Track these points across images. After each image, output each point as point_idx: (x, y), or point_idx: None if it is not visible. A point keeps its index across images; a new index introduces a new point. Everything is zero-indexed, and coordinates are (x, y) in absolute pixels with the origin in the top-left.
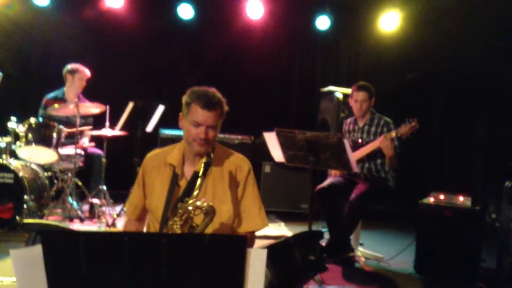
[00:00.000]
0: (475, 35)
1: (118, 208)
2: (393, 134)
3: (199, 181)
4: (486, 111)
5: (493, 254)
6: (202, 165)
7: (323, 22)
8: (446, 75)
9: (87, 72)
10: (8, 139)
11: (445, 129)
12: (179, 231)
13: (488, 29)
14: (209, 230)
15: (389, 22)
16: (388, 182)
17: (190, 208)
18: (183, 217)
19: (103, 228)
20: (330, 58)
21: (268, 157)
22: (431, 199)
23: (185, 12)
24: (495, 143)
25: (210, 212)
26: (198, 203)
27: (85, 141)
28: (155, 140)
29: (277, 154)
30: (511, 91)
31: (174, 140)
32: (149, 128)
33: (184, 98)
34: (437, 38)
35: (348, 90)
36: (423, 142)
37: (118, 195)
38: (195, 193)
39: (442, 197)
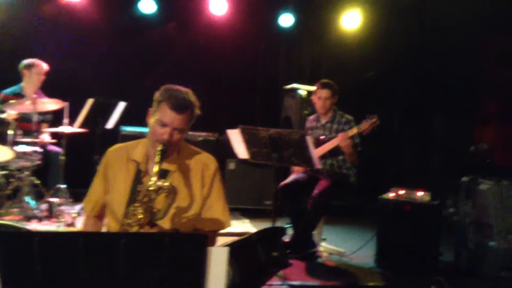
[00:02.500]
0: (435, 33)
1: (77, 207)
2: (355, 130)
3: (155, 167)
4: (444, 107)
5: (450, 248)
6: (158, 153)
7: (286, 20)
8: (406, 72)
9: (44, 66)
10: None
11: (404, 126)
12: (141, 216)
13: (446, 26)
14: (172, 225)
15: (351, 21)
16: (350, 178)
17: (151, 188)
18: (144, 200)
19: (62, 227)
20: (293, 56)
21: (232, 154)
22: (391, 194)
23: (147, 6)
24: (453, 139)
25: (171, 192)
26: (159, 183)
27: (45, 137)
28: (115, 137)
29: (241, 151)
30: (469, 88)
31: (136, 137)
32: (110, 125)
33: (156, 95)
34: (397, 36)
35: (311, 88)
36: (383, 138)
37: (78, 194)
38: (154, 178)
39: (402, 192)
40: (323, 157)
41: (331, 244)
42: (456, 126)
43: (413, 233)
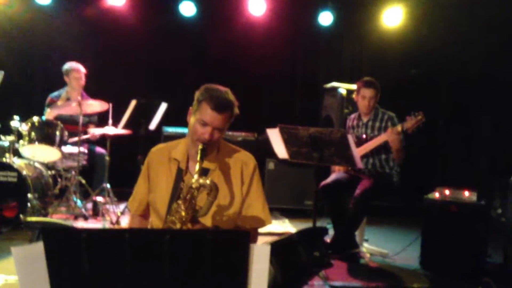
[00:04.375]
0: (480, 31)
1: (122, 206)
2: (399, 128)
3: (197, 166)
4: (491, 105)
5: (498, 249)
6: (199, 151)
7: (326, 18)
8: (451, 70)
9: (82, 69)
10: (11, 138)
11: (450, 124)
12: (183, 214)
13: (492, 24)
14: (214, 223)
15: (392, 18)
16: (393, 177)
17: (193, 186)
18: (187, 198)
19: (107, 226)
20: (333, 54)
21: (271, 154)
22: (437, 194)
23: (187, 9)
24: (501, 138)
25: (213, 190)
26: (201, 181)
27: (91, 138)
28: (158, 138)
29: (280, 150)
30: None
31: (177, 137)
32: (152, 126)
33: (197, 94)
34: (441, 33)
35: (351, 86)
36: (428, 136)
37: (122, 193)
38: (196, 176)
39: (447, 192)
40: (365, 156)
41: (374, 245)
42: (503, 125)
43: (459, 234)
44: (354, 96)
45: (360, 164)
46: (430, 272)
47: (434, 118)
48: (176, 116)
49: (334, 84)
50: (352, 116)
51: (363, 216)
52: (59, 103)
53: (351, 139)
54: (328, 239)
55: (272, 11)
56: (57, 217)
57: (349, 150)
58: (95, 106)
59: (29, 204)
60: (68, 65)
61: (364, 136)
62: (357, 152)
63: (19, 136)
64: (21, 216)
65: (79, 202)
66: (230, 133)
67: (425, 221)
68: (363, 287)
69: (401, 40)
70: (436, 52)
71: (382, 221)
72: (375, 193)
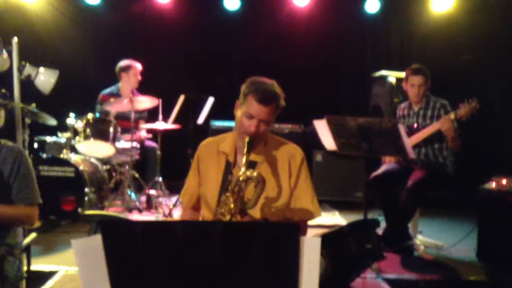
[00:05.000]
0: None
1: (174, 199)
2: (452, 116)
3: (244, 158)
4: None
5: None
6: (246, 144)
7: (372, 5)
8: (505, 54)
9: (139, 67)
10: (67, 134)
11: (506, 110)
12: (232, 206)
13: None
14: (262, 215)
15: (442, 3)
16: (447, 167)
17: (240, 179)
18: (235, 190)
19: (160, 218)
20: (381, 42)
21: (319, 145)
22: (493, 184)
23: (231, 3)
24: None
25: (260, 182)
26: (248, 173)
27: (142, 133)
28: (206, 132)
29: (328, 142)
30: None
31: (225, 131)
32: (200, 120)
33: (243, 88)
34: (494, 17)
35: (401, 74)
36: (483, 124)
37: (174, 186)
38: (243, 168)
39: (504, 181)
40: (417, 146)
41: (428, 236)
42: None
43: None
44: (403, 84)
45: (412, 154)
46: (487, 264)
47: (489, 105)
48: (223, 110)
49: (383, 72)
50: (403, 105)
51: (416, 207)
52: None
53: (402, 128)
54: (380, 231)
55: (316, 1)
56: (112, 210)
57: (400, 140)
58: (146, 102)
59: (86, 198)
60: (127, 62)
61: (415, 125)
62: (409, 142)
63: (75, 132)
64: (79, 209)
65: (133, 195)
66: (276, 125)
67: (481, 211)
68: (417, 280)
69: (452, 25)
70: (489, 36)
71: (436, 212)
72: (428, 184)
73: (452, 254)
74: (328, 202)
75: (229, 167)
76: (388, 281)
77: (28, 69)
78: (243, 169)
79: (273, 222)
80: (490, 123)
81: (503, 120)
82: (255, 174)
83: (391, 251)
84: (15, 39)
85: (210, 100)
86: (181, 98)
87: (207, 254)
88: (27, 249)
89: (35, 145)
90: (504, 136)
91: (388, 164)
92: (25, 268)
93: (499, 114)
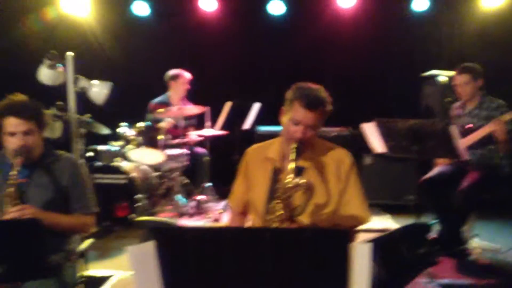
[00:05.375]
0: None
1: (222, 204)
2: (507, 116)
3: (291, 165)
4: None
5: None
6: (293, 150)
7: (420, 3)
8: None
9: (188, 76)
10: (120, 143)
11: None
12: (281, 212)
13: None
14: (312, 221)
15: None
16: (503, 168)
17: (289, 186)
18: (283, 197)
19: (209, 223)
20: (430, 41)
21: (367, 148)
22: None
23: (276, 8)
24: None
25: (308, 189)
26: (296, 180)
27: (192, 139)
28: (252, 137)
29: (377, 145)
30: None
31: (271, 136)
32: (246, 125)
33: (289, 94)
34: None
35: (452, 73)
36: None
37: (222, 191)
38: (290, 175)
39: None
40: (471, 147)
41: (485, 240)
42: None
43: None
44: (453, 84)
45: (465, 156)
46: None
47: None
48: (269, 116)
49: (433, 72)
50: (456, 104)
51: (471, 210)
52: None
53: (454, 129)
54: (433, 235)
55: (362, 1)
56: (163, 216)
57: (453, 142)
58: (194, 110)
59: (138, 204)
60: (175, 71)
61: (469, 125)
62: (462, 143)
63: (127, 141)
64: (131, 215)
65: (183, 201)
66: (323, 128)
67: None
68: (473, 284)
69: (504, 21)
70: None
71: (493, 215)
72: (483, 186)
73: (509, 258)
74: (379, 206)
75: (277, 174)
76: (443, 286)
77: (82, 82)
78: (291, 175)
79: (321, 228)
80: None
81: None
82: (303, 181)
83: (446, 255)
84: (70, 54)
85: (256, 106)
86: (228, 104)
87: (256, 260)
88: (84, 254)
89: (89, 154)
90: None
91: (441, 166)
92: (81, 273)
93: None
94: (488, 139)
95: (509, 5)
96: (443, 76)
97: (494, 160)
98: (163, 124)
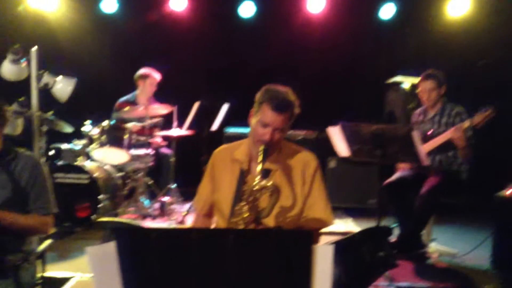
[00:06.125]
0: None
1: (187, 206)
2: (467, 124)
3: (259, 166)
4: None
5: None
6: (260, 152)
7: (387, 11)
8: None
9: (158, 77)
10: (83, 142)
11: None
12: (246, 215)
13: None
14: (277, 224)
15: (458, 7)
16: (461, 174)
17: (255, 188)
18: (250, 199)
19: (173, 225)
20: (395, 48)
21: (332, 152)
22: (509, 192)
23: (246, 10)
24: None
25: (275, 192)
26: (263, 182)
27: (157, 140)
28: (220, 139)
29: (342, 148)
30: None
31: (239, 138)
32: (215, 126)
33: (257, 96)
34: (509, 21)
35: (416, 80)
36: (498, 131)
37: (187, 193)
38: (257, 177)
39: None
40: (431, 153)
41: (442, 244)
42: None
43: None
44: (418, 90)
45: (426, 161)
46: (502, 273)
47: (504, 111)
48: (237, 117)
49: (397, 78)
50: (418, 111)
51: (430, 214)
52: (126, 108)
53: (416, 135)
54: (393, 238)
55: (331, 7)
56: (126, 217)
57: (414, 147)
58: (161, 110)
59: (100, 205)
60: (146, 70)
61: (430, 132)
62: (423, 148)
63: (91, 140)
64: (93, 216)
65: (147, 202)
66: (290, 132)
67: (496, 219)
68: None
69: (468, 30)
70: (506, 41)
71: (450, 220)
72: (442, 190)
73: (466, 262)
74: (341, 209)
75: (243, 175)
76: None
77: (46, 78)
78: (258, 178)
79: (285, 230)
80: (506, 130)
81: None
82: (270, 183)
83: (404, 258)
84: (34, 48)
85: (225, 107)
86: (196, 104)
87: (220, 261)
88: (42, 255)
89: (51, 153)
90: None
91: (402, 170)
92: (40, 274)
93: None
94: (448, 145)
95: (473, 13)
96: (406, 83)
97: (453, 166)
98: (129, 126)
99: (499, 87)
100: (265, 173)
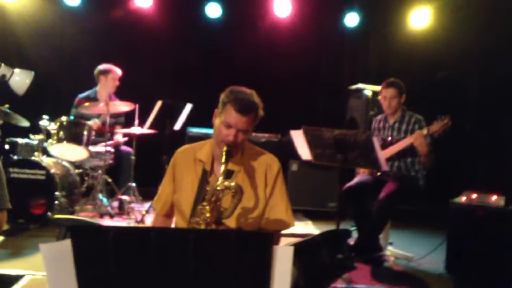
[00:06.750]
0: (509, 33)
1: (147, 205)
2: (425, 131)
3: (222, 167)
4: None
5: None
6: (224, 153)
7: (351, 19)
8: (479, 72)
9: (119, 72)
10: (40, 137)
11: (478, 127)
12: (208, 215)
13: None
14: (238, 225)
15: (420, 19)
16: (418, 181)
17: (218, 188)
18: (212, 200)
19: (132, 224)
20: (359, 56)
21: (295, 155)
22: (463, 199)
23: (213, 10)
24: None
25: (238, 192)
26: (226, 183)
27: (118, 138)
28: (182, 138)
29: (304, 152)
30: None
31: (202, 138)
32: (177, 126)
33: (222, 97)
34: (469, 35)
35: (377, 88)
36: (455, 140)
37: (147, 192)
38: (221, 178)
39: (474, 196)
40: (390, 159)
41: (398, 248)
42: None
43: (486, 238)
44: (379, 97)
45: (385, 167)
46: (456, 277)
47: (461, 121)
48: (200, 117)
49: (359, 85)
50: (379, 117)
51: (388, 219)
52: (86, 104)
53: (376, 141)
54: (351, 241)
55: (298, 12)
56: (83, 215)
57: (374, 153)
58: (122, 106)
59: (56, 202)
60: (107, 66)
61: (390, 138)
62: (383, 154)
63: (48, 135)
64: (48, 213)
65: (105, 201)
66: (253, 134)
67: (451, 225)
68: None
69: (429, 42)
70: (464, 54)
71: (407, 225)
72: (400, 196)
73: (421, 266)
74: (302, 211)
75: (206, 176)
76: None
77: (3, 70)
78: (221, 178)
79: (245, 231)
80: (462, 139)
81: (475, 136)
82: (233, 184)
83: (362, 261)
84: None
85: (188, 107)
86: (158, 103)
87: (179, 261)
88: None
89: (6, 147)
90: (475, 152)
91: (361, 175)
92: None
93: (471, 130)
94: (407, 152)
95: (434, 25)
96: (368, 90)
97: (410, 172)
98: (90, 123)
99: (457, 97)
100: (228, 174)
